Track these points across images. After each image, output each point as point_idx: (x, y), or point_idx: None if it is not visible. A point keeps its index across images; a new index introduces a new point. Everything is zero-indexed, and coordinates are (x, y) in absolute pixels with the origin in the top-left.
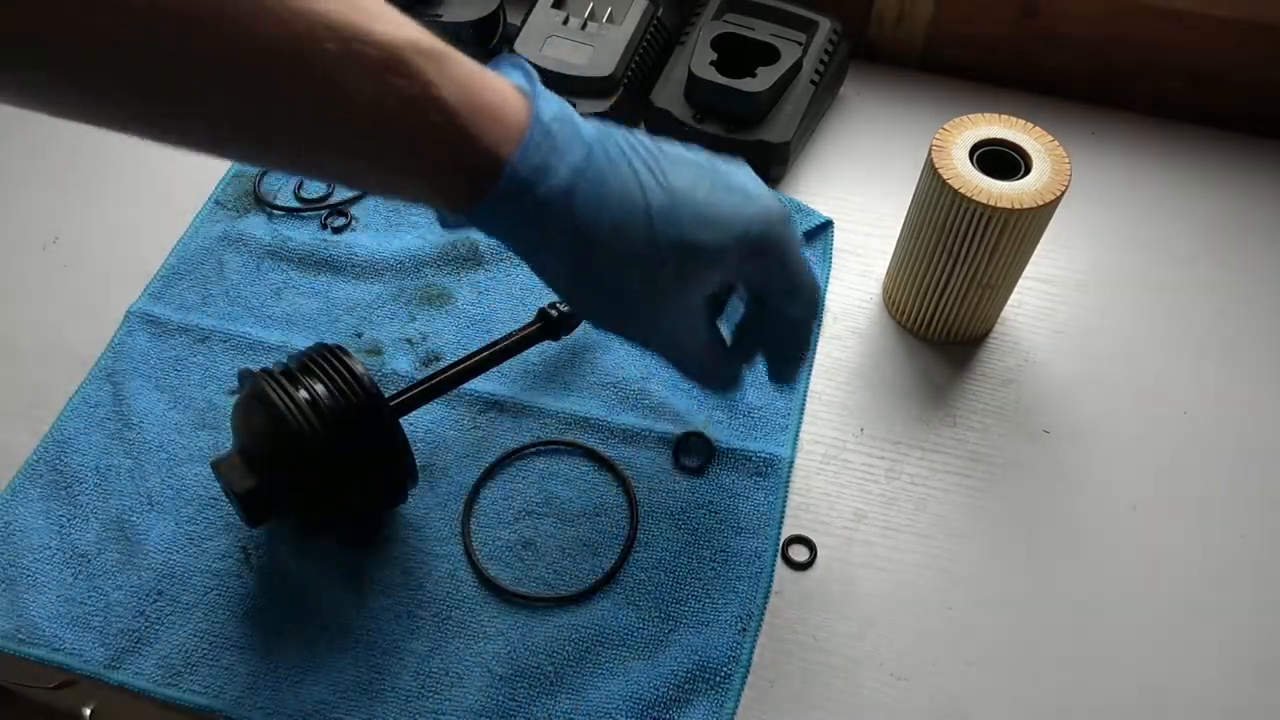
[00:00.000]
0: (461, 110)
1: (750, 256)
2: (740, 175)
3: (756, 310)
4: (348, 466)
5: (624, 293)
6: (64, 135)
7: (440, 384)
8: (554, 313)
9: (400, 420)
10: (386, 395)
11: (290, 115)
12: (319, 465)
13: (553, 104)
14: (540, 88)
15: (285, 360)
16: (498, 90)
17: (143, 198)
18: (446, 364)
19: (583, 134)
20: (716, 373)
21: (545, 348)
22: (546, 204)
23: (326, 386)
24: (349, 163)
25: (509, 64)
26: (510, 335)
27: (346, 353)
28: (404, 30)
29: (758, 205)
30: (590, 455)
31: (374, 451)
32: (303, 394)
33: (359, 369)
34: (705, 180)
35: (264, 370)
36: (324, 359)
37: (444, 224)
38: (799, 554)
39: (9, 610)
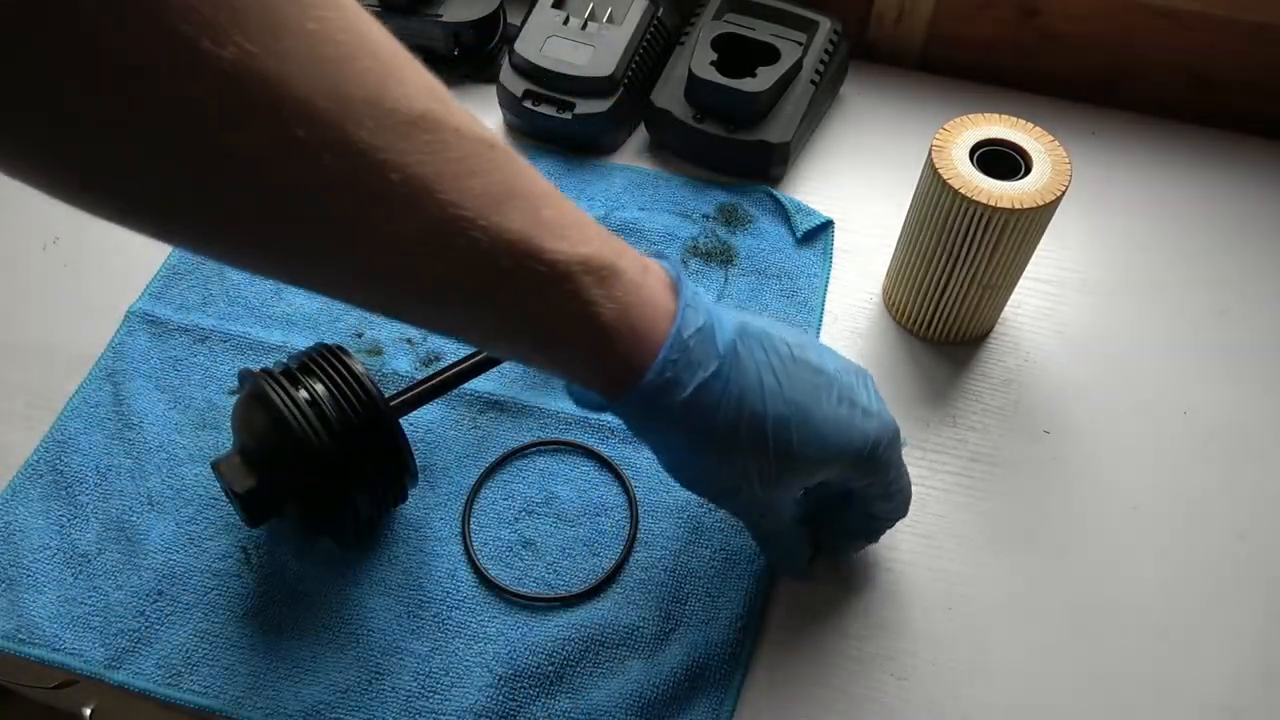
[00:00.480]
0: (615, 330)
1: (855, 468)
2: (862, 390)
3: (844, 504)
4: (348, 466)
5: (726, 480)
6: None
7: (440, 384)
8: None
9: (400, 420)
10: (387, 395)
11: (454, 311)
12: (319, 465)
13: (698, 316)
14: (688, 294)
15: (285, 360)
16: (652, 307)
17: None
18: (446, 364)
19: (719, 346)
20: (794, 557)
21: None
22: (668, 409)
23: (327, 386)
24: (500, 347)
25: (667, 262)
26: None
27: (347, 353)
28: (580, 248)
29: (874, 425)
30: (590, 455)
31: (374, 451)
32: (303, 394)
33: (359, 369)
34: (830, 395)
35: (264, 370)
36: (324, 359)
37: (578, 402)
38: None
39: (9, 610)
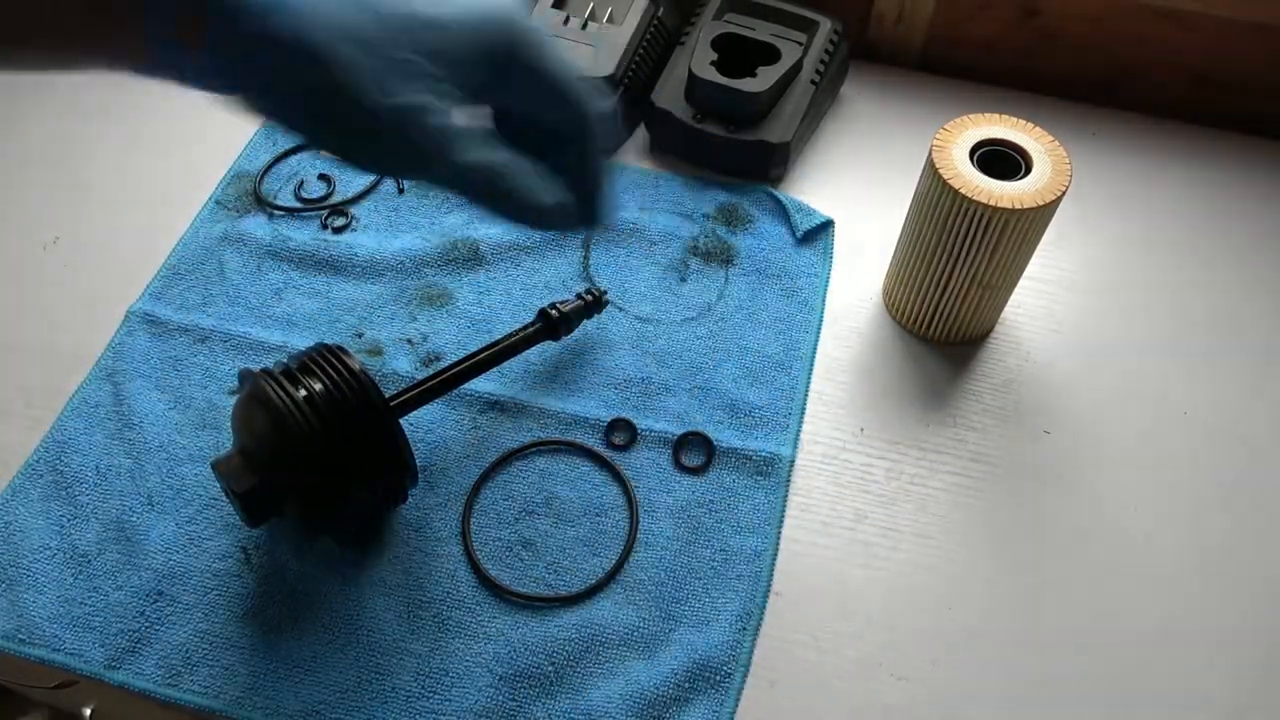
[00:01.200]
0: None
1: (474, 57)
2: None
3: (530, 138)
4: (347, 466)
5: (367, 110)
6: (65, 135)
7: (440, 384)
8: (554, 313)
9: (400, 420)
10: (386, 395)
11: None
12: (319, 465)
13: None
14: None
15: (285, 360)
16: None
17: (143, 198)
18: (446, 364)
19: None
20: (536, 201)
21: (545, 348)
22: (260, 38)
23: (326, 386)
24: (54, 38)
25: None
26: (510, 335)
27: (346, 352)
28: None
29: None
30: (590, 455)
31: (373, 451)
32: (302, 393)
33: (358, 368)
34: None
35: (264, 370)
36: (323, 359)
37: (163, 62)
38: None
39: (9, 610)
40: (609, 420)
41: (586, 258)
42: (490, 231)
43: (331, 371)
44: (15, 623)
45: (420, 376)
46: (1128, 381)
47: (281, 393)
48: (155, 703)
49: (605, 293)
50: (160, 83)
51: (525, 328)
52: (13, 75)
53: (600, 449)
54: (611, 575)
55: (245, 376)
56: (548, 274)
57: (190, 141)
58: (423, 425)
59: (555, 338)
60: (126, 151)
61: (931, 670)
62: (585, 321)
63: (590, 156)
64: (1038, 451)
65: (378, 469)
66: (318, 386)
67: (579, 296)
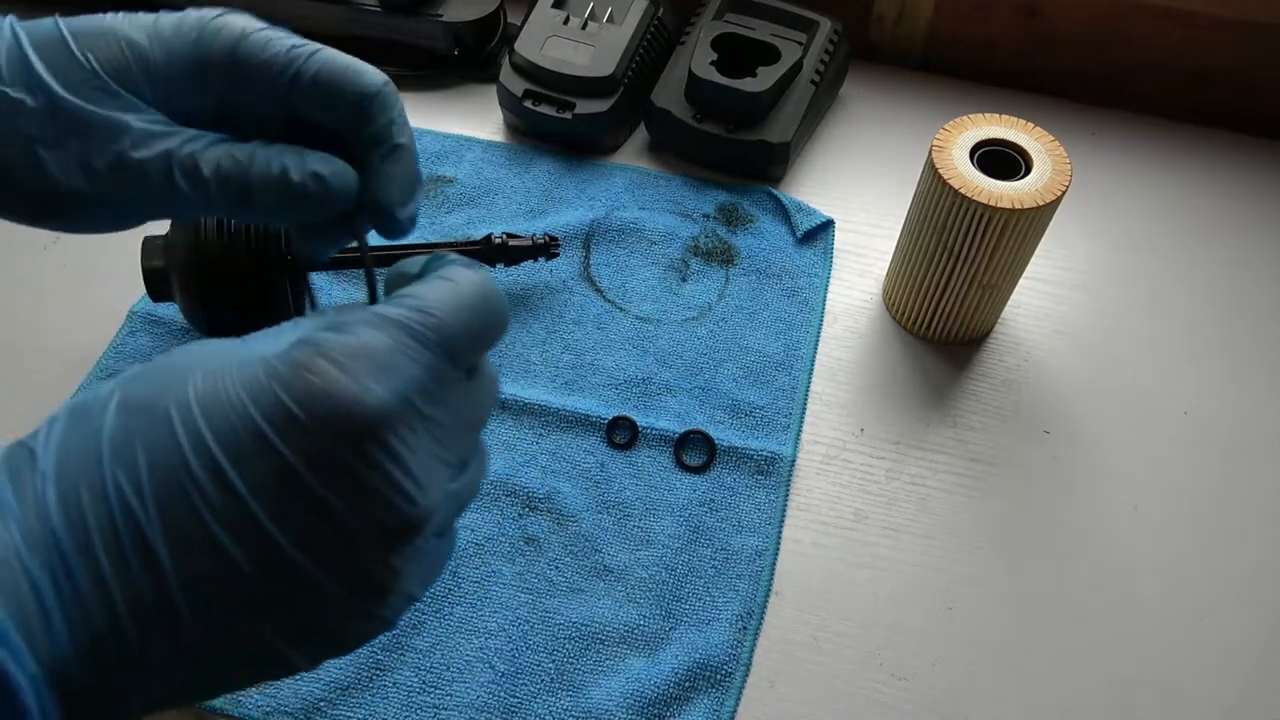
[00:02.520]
0: None
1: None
2: None
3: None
4: (228, 273)
5: None
6: None
7: (356, 259)
8: (496, 240)
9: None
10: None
11: None
12: (206, 268)
13: None
14: None
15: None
16: None
17: None
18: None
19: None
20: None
21: (546, 346)
22: None
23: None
24: None
25: None
26: (450, 242)
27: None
28: None
29: None
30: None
31: (255, 268)
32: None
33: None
34: None
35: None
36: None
37: None
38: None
39: None
40: (610, 418)
41: (587, 257)
42: (491, 230)
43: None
44: None
45: None
46: (1128, 381)
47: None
48: None
49: (557, 241)
50: None
51: (467, 242)
52: None
53: (599, 443)
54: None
55: None
56: (547, 274)
57: None
58: None
59: (490, 264)
60: None
61: (931, 670)
62: (587, 310)
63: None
64: (1038, 451)
65: (268, 309)
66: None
67: (532, 237)
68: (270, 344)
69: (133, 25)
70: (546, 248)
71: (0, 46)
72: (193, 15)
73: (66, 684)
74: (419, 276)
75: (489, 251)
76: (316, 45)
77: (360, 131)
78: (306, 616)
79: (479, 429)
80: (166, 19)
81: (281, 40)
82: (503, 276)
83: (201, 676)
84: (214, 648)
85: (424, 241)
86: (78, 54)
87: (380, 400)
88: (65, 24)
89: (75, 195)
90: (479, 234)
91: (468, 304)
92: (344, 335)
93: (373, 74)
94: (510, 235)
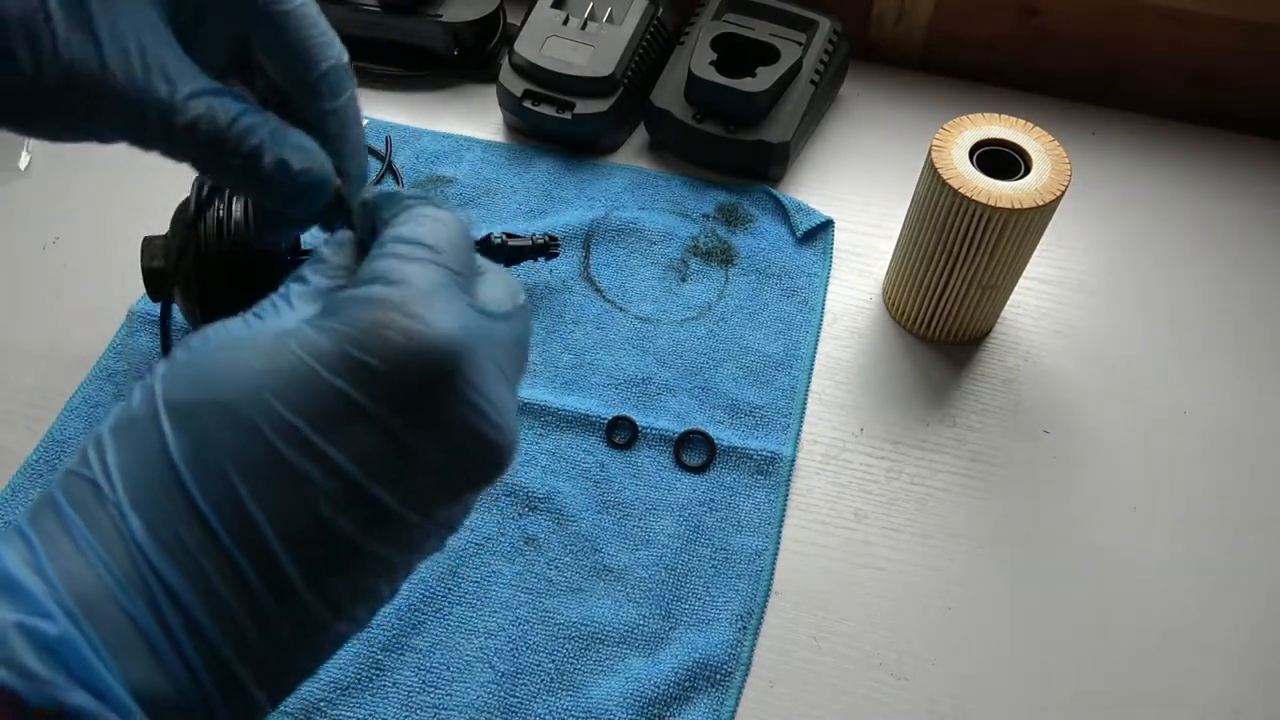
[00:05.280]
0: None
1: None
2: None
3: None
4: (228, 273)
5: None
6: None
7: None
8: (495, 240)
9: None
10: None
11: None
12: (206, 268)
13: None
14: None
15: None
16: None
17: (143, 197)
18: None
19: None
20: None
21: (546, 346)
22: None
23: (244, 212)
24: None
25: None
26: None
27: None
28: None
29: None
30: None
31: (255, 267)
32: (220, 211)
33: (241, 212)
34: None
35: (205, 183)
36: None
37: None
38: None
39: None
40: (610, 418)
41: (587, 258)
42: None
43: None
44: None
45: None
46: (1128, 381)
47: (203, 199)
48: None
49: (557, 241)
50: None
51: None
52: None
53: (600, 445)
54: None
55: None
56: (547, 273)
57: None
58: None
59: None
60: (128, 151)
61: (931, 670)
62: (587, 310)
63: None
64: (1038, 451)
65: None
66: (236, 208)
67: (532, 237)
68: (291, 313)
69: None
70: (546, 248)
71: None
72: None
73: (174, 714)
74: (390, 216)
75: (488, 251)
76: None
77: (308, 104)
78: (404, 567)
79: (527, 341)
80: None
81: None
82: None
83: (299, 665)
84: (323, 631)
85: None
86: None
87: (456, 338)
88: None
89: (31, 94)
90: (478, 234)
91: (460, 236)
92: (396, 286)
93: (334, 45)
94: (510, 235)
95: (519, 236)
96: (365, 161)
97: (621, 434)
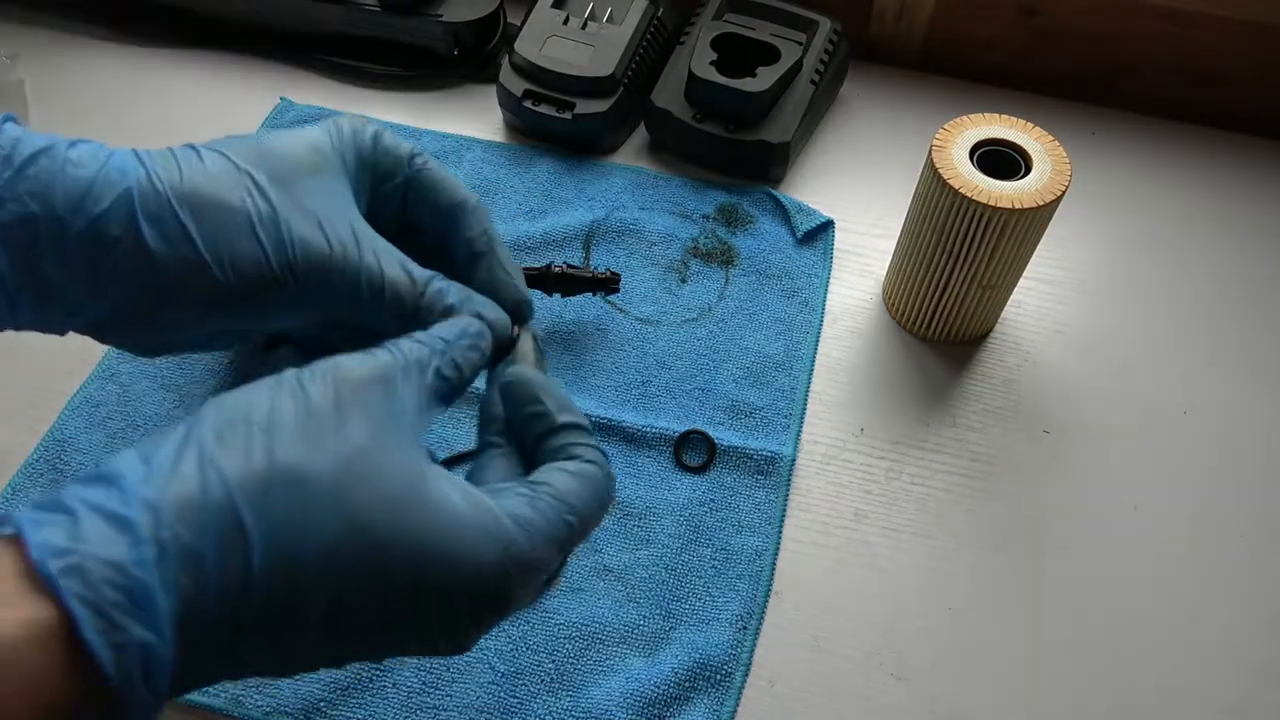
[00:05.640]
0: None
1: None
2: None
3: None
4: None
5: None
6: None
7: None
8: (557, 270)
9: None
10: None
11: None
12: None
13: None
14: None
15: None
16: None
17: None
18: None
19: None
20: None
21: (546, 346)
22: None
23: None
24: None
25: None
26: None
27: None
28: None
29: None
30: None
31: None
32: None
33: None
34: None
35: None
36: None
37: None
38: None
39: None
40: (682, 432)
41: (587, 259)
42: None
43: None
44: None
45: None
46: (1128, 381)
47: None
48: None
49: (619, 277)
50: (162, 83)
51: (526, 269)
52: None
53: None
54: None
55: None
56: None
57: (191, 140)
58: None
59: (546, 293)
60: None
61: (931, 670)
62: (587, 311)
63: (496, 252)
64: (1038, 451)
65: None
66: None
67: (594, 270)
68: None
69: (314, 132)
70: (607, 282)
71: (205, 159)
72: (345, 121)
73: None
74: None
75: (547, 280)
76: (428, 155)
77: (457, 238)
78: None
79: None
80: (327, 124)
81: (405, 143)
82: None
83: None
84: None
85: None
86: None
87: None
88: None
89: (273, 281)
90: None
91: (597, 503)
92: (524, 524)
93: (467, 189)
94: (570, 266)
95: (579, 268)
96: (525, 288)
97: (621, 434)
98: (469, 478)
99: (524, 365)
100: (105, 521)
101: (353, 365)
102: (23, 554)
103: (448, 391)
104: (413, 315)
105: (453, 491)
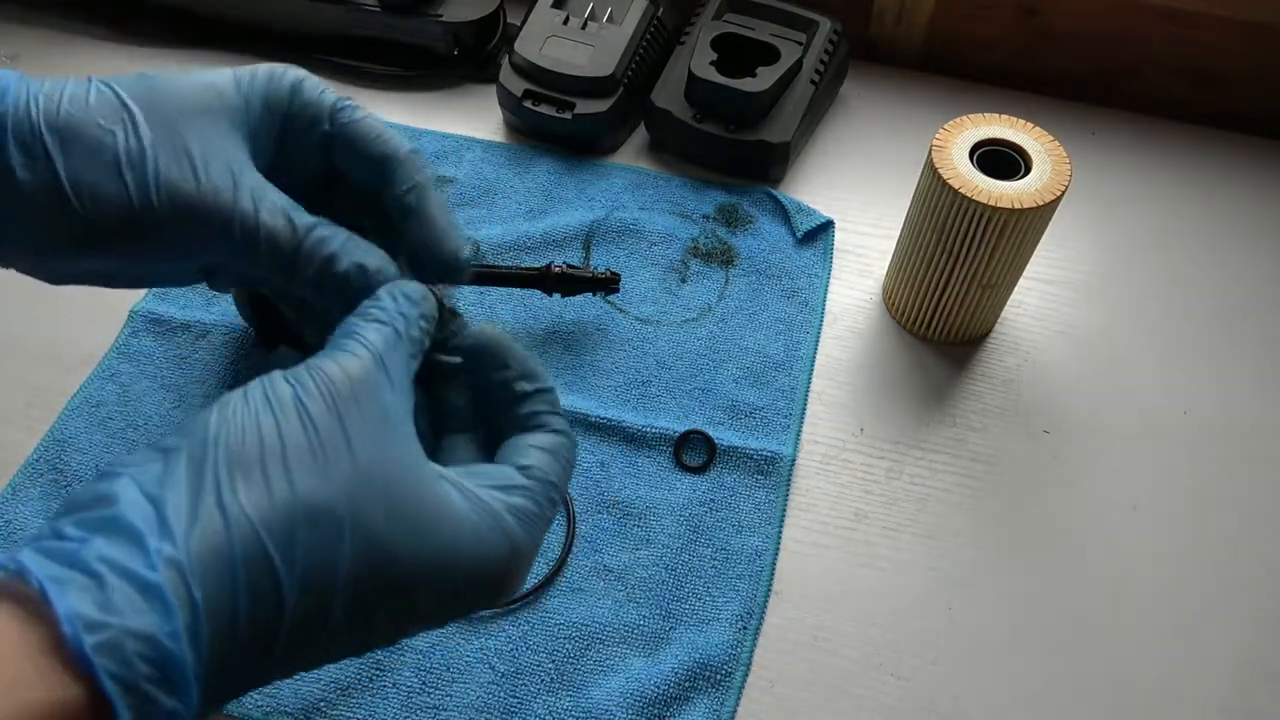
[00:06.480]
0: None
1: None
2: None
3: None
4: None
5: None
6: None
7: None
8: (556, 270)
9: None
10: None
11: None
12: None
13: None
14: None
15: None
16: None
17: None
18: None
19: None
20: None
21: (546, 346)
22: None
23: None
24: None
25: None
26: (508, 266)
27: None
28: None
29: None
30: None
31: None
32: None
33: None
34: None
35: None
36: None
37: None
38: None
39: None
40: (682, 432)
41: (587, 259)
42: (491, 232)
43: None
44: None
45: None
46: (1128, 381)
47: None
48: None
49: (619, 277)
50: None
51: (525, 268)
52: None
53: (602, 446)
54: (550, 578)
55: None
56: None
57: None
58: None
59: (546, 292)
60: None
61: (931, 670)
62: (587, 311)
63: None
64: (1038, 451)
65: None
66: None
67: (593, 270)
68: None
69: (221, 75)
70: (607, 283)
71: (90, 91)
72: (263, 66)
73: None
74: (528, 417)
75: (547, 281)
76: (359, 106)
77: (387, 193)
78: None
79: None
80: (242, 69)
81: (330, 92)
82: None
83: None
84: None
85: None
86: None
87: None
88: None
89: (134, 219)
90: (479, 234)
91: (567, 469)
92: (526, 519)
93: (398, 141)
94: (570, 266)
95: (578, 268)
96: (462, 242)
97: (621, 434)
98: (434, 457)
99: (486, 324)
100: (133, 588)
101: (339, 372)
102: (49, 623)
103: (417, 366)
104: (290, 264)
105: (453, 493)
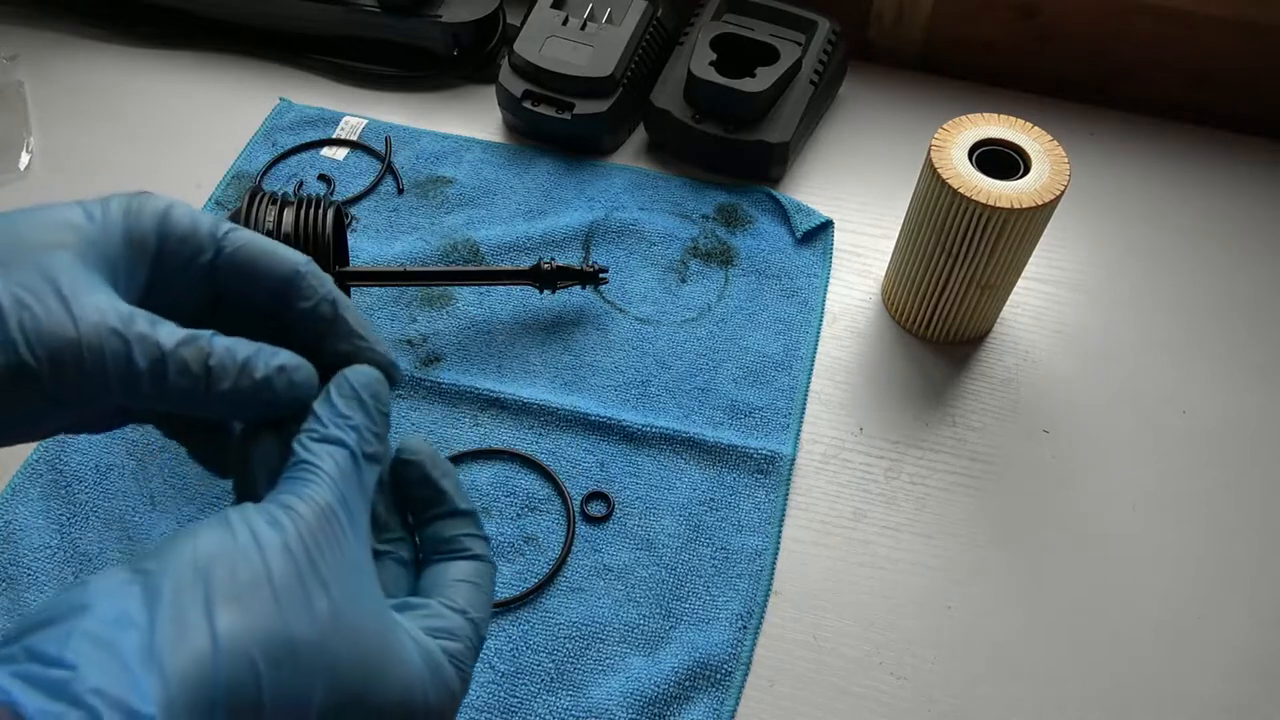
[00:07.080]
0: None
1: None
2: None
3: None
4: None
5: None
6: (62, 135)
7: (403, 275)
8: (546, 266)
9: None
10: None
11: None
12: None
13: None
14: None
15: (288, 191)
16: None
17: None
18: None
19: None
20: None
21: (546, 346)
22: None
23: (296, 221)
24: None
25: None
26: (499, 270)
27: (333, 209)
28: None
29: None
30: (527, 463)
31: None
32: (271, 218)
33: (326, 228)
34: None
35: (258, 191)
36: (311, 204)
37: None
38: (597, 510)
39: (9, 610)
40: (682, 432)
41: (586, 259)
42: (490, 232)
43: (307, 213)
44: (16, 622)
45: (419, 377)
46: (1127, 381)
47: (256, 209)
48: None
49: (605, 270)
50: (162, 84)
51: (516, 269)
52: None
53: (594, 448)
54: (550, 577)
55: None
56: None
57: (190, 142)
58: (425, 424)
59: (538, 288)
60: (127, 152)
61: (931, 670)
62: (587, 311)
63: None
64: (1037, 451)
65: None
66: (287, 216)
67: (581, 264)
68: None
69: (69, 208)
70: (594, 275)
71: None
72: (115, 198)
73: None
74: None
75: (539, 277)
76: (239, 227)
77: (293, 309)
78: None
79: None
80: (91, 201)
81: (204, 216)
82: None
83: None
84: None
85: (419, 247)
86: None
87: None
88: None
89: (18, 378)
90: (479, 235)
91: (490, 598)
92: (462, 665)
93: (295, 254)
94: (556, 262)
95: (567, 265)
96: (386, 346)
97: (621, 434)
98: None
99: (413, 438)
100: None
101: (304, 505)
102: None
103: (376, 467)
104: (204, 385)
105: (406, 639)
